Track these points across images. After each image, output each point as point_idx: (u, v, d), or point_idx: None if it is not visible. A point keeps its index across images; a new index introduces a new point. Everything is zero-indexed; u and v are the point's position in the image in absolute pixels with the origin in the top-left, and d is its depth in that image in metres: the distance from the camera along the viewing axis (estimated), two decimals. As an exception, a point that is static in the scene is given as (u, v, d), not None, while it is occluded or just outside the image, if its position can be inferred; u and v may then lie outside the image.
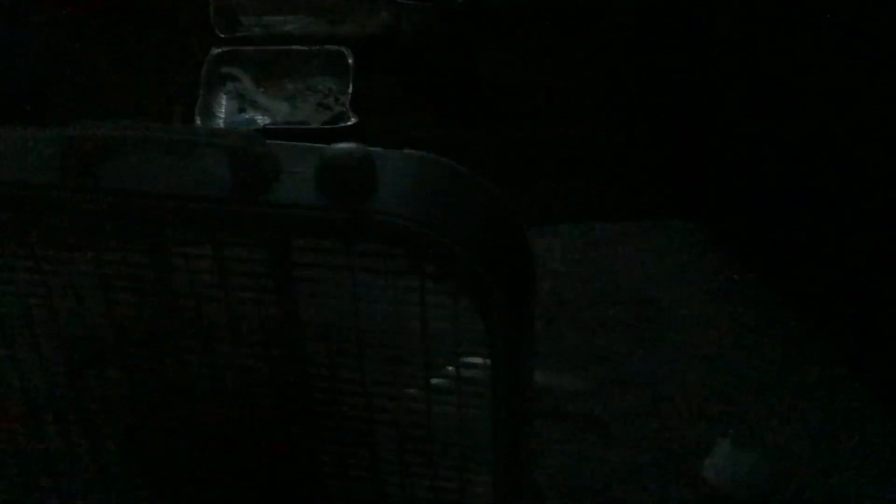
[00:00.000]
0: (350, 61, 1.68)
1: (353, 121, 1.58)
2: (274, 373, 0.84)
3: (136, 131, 0.78)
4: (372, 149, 0.77)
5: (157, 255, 0.79)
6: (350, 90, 1.64)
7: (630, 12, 1.71)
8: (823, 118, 1.31)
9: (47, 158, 0.78)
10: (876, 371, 1.24)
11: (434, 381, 0.84)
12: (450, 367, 0.83)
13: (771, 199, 1.39)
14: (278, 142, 0.79)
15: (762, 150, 1.40)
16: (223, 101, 1.67)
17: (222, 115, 1.65)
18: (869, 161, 1.25)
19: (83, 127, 0.77)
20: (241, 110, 1.66)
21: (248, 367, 0.84)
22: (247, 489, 0.90)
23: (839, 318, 1.28)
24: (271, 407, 0.86)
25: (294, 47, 1.73)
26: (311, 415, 0.86)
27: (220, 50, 1.70)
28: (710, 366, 1.25)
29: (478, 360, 0.82)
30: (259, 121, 1.64)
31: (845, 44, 1.26)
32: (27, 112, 1.48)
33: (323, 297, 0.79)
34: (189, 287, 0.80)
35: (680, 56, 1.57)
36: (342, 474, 0.89)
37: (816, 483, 1.13)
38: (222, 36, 1.74)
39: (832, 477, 1.14)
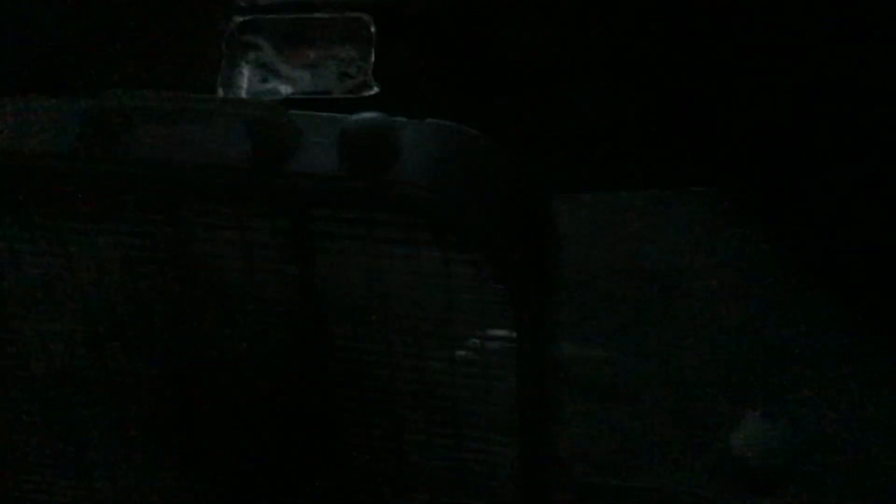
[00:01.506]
0: (372, 29, 1.67)
1: (375, 90, 1.57)
2: (296, 343, 0.84)
3: (157, 101, 0.77)
4: (394, 118, 0.77)
5: (177, 225, 0.79)
6: (372, 59, 1.63)
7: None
8: (852, 81, 1.28)
9: (69, 129, 0.78)
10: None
11: (458, 351, 0.83)
12: (474, 338, 0.83)
13: (796, 167, 1.37)
14: (299, 111, 0.78)
15: (788, 117, 1.39)
16: (245, 70, 1.66)
17: (244, 85, 1.64)
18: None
19: (104, 97, 0.77)
20: (264, 80, 1.66)
21: (269, 337, 0.84)
22: (270, 460, 0.90)
23: (867, 288, 1.27)
24: (294, 378, 0.86)
25: (316, 15, 1.72)
26: (333, 386, 0.86)
27: (241, 19, 1.69)
28: (735, 336, 1.24)
29: (501, 330, 0.81)
30: (282, 90, 1.63)
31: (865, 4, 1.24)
32: (47, 84, 1.48)
33: (345, 267, 0.79)
34: (210, 257, 0.80)
35: (705, 21, 1.55)
36: (366, 445, 0.89)
37: (845, 453, 1.13)
38: (243, 4, 1.72)
39: (861, 447, 1.13)
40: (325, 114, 0.79)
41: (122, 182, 0.77)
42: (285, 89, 1.63)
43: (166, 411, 0.89)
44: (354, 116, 0.76)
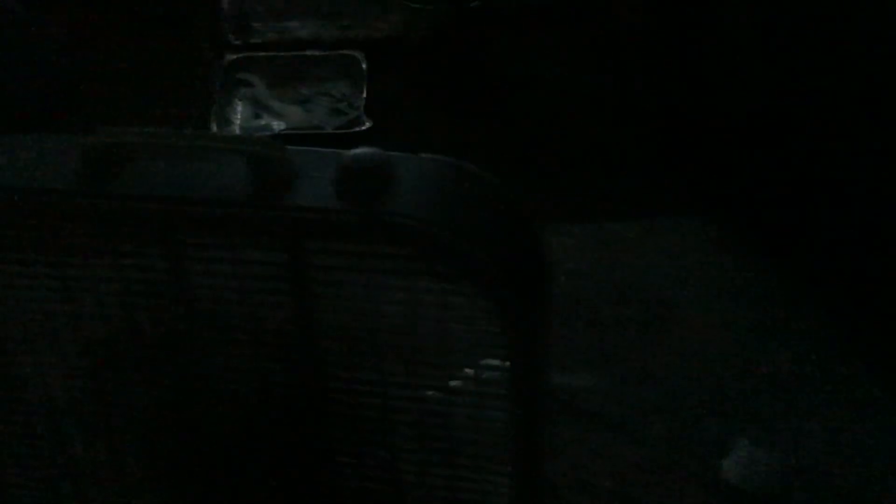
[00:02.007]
0: (364, 66, 1.69)
1: (367, 125, 1.59)
2: (292, 375, 0.85)
3: (154, 138, 0.79)
4: (389, 153, 0.78)
5: (175, 259, 0.80)
6: (364, 94, 1.65)
7: (639, 9, 1.71)
8: (840, 114, 1.31)
9: (67, 165, 0.79)
10: (893, 367, 1.23)
11: (452, 381, 0.84)
12: (467, 369, 0.84)
13: (785, 197, 1.39)
14: (296, 147, 0.80)
15: (776, 147, 1.40)
16: (238, 106, 1.68)
17: (238, 121, 1.66)
18: (890, 157, 1.25)
19: (102, 133, 0.78)
20: (257, 116, 1.68)
21: (265, 369, 0.85)
22: (265, 491, 0.90)
23: (855, 315, 1.28)
24: (289, 409, 0.86)
25: (308, 52, 1.74)
26: (328, 416, 0.86)
27: (234, 56, 1.71)
28: (725, 364, 1.25)
29: (495, 361, 0.82)
30: (274, 126, 1.65)
31: (861, 38, 1.26)
32: (45, 120, 1.49)
33: (340, 299, 0.80)
34: (207, 290, 0.81)
35: (692, 52, 1.57)
36: (360, 475, 0.89)
37: (835, 480, 1.13)
38: (236, 42, 1.75)
39: (851, 474, 1.14)
40: (321, 149, 0.80)
41: (120, 216, 0.78)
42: (278, 125, 1.64)
43: (163, 442, 0.90)
44: (351, 151, 0.77)
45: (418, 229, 0.76)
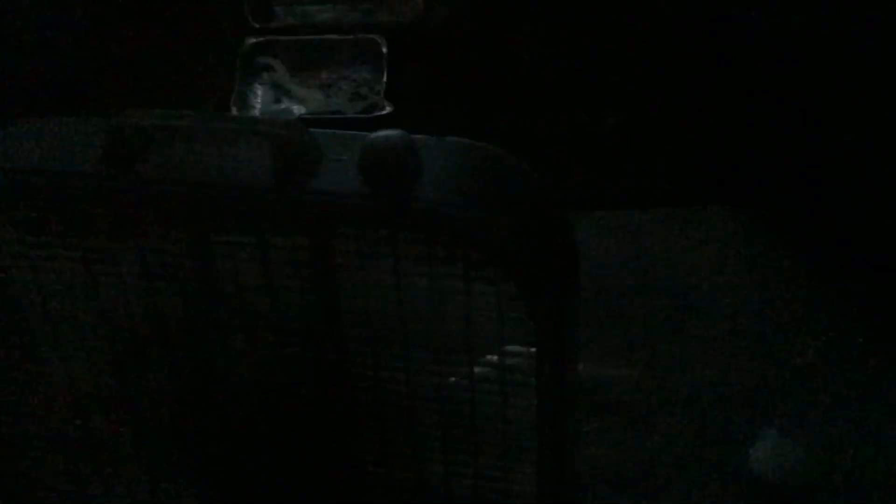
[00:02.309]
0: (384, 50, 1.67)
1: (387, 109, 1.58)
2: (316, 362, 0.84)
3: (178, 121, 0.78)
4: (414, 135, 0.77)
5: (199, 244, 0.79)
6: (384, 79, 1.64)
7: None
8: (867, 96, 1.29)
9: (91, 149, 0.78)
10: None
11: (478, 370, 0.83)
12: (494, 356, 0.83)
13: (812, 183, 1.37)
14: (320, 130, 0.78)
15: (802, 133, 1.39)
16: (259, 91, 1.67)
17: (258, 105, 1.65)
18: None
19: (126, 117, 0.77)
20: (277, 100, 1.67)
21: (290, 356, 0.84)
22: (289, 479, 0.90)
23: (885, 304, 1.27)
24: (314, 397, 0.86)
25: (328, 36, 1.73)
26: (353, 404, 0.86)
27: (254, 40, 1.70)
28: (752, 354, 1.23)
29: (522, 348, 0.81)
30: (294, 110, 1.64)
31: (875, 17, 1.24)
32: (66, 104, 1.49)
33: (366, 285, 0.79)
34: (232, 277, 0.80)
35: (717, 38, 1.55)
36: (385, 464, 0.89)
37: (863, 472, 1.12)
38: (256, 26, 1.74)
39: (878, 465, 1.12)
40: (345, 132, 0.79)
41: (144, 202, 0.78)
42: (298, 109, 1.63)
43: (188, 431, 0.89)
44: (375, 134, 0.76)
45: (445, 214, 0.75)
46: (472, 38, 1.70)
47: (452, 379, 0.84)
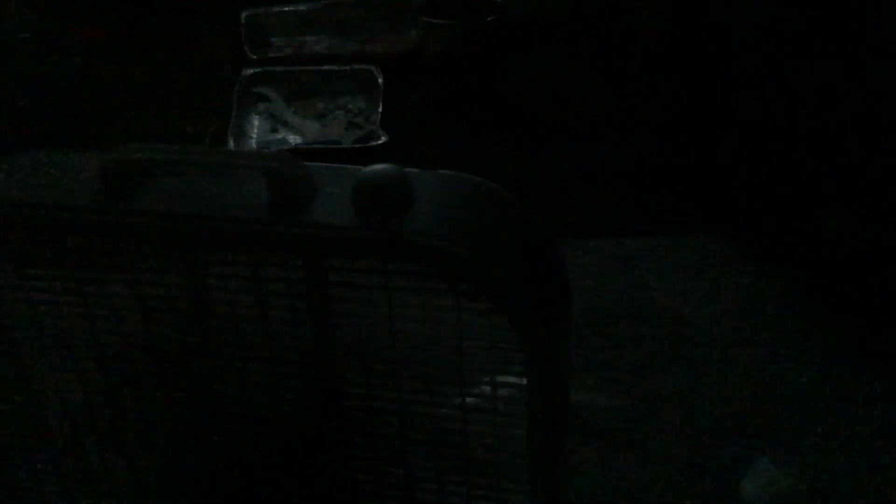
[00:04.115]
0: (380, 80, 1.69)
1: (383, 139, 1.59)
2: (309, 392, 0.85)
3: (173, 154, 0.79)
4: (406, 169, 0.78)
5: (194, 275, 0.80)
6: (380, 109, 1.65)
7: (656, 24, 1.71)
8: (855, 127, 1.30)
9: (86, 181, 0.79)
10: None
11: (470, 400, 0.84)
12: (485, 386, 0.83)
13: (802, 212, 1.38)
14: (314, 163, 0.80)
15: (790, 162, 1.40)
16: (255, 121, 1.68)
17: (255, 136, 1.66)
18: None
19: (122, 150, 0.78)
20: (273, 130, 1.68)
21: (283, 386, 0.85)
22: (283, 503, 0.90)
23: (876, 332, 1.27)
24: (307, 426, 0.86)
25: (324, 67, 1.74)
26: (346, 433, 0.86)
27: (251, 71, 1.71)
28: (745, 381, 1.24)
29: (513, 378, 0.82)
30: (291, 140, 1.65)
31: (874, 50, 1.25)
32: (62, 135, 1.50)
33: (358, 316, 0.80)
34: (226, 307, 0.81)
35: (705, 69, 1.57)
36: (378, 493, 0.89)
37: (856, 499, 1.12)
38: (254, 57, 1.75)
39: (870, 495, 1.13)
40: (339, 165, 0.80)
41: (140, 233, 0.78)
42: (294, 139, 1.65)
43: (180, 457, 0.89)
44: (368, 168, 0.77)
45: (437, 246, 0.76)
46: (466, 69, 1.71)
47: (444, 410, 0.84)
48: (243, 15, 1.79)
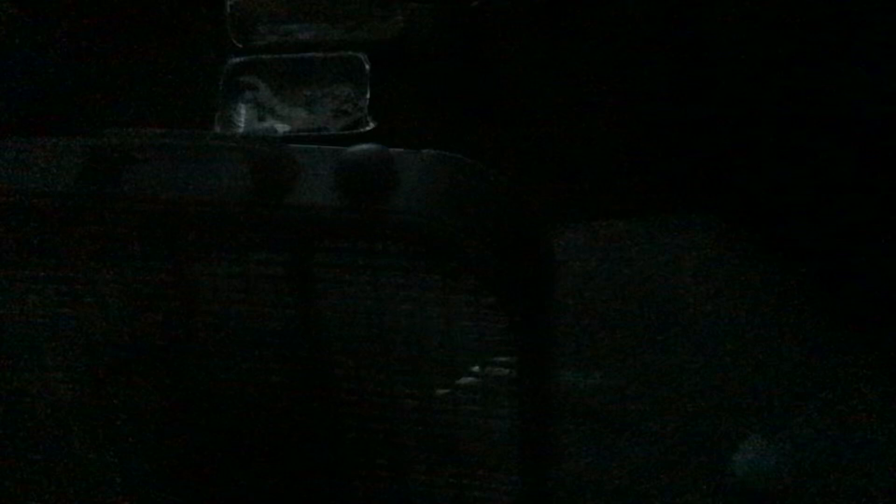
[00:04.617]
0: (367, 67, 1.68)
1: (371, 126, 1.59)
2: (297, 376, 0.84)
3: (156, 139, 0.78)
4: (390, 149, 0.78)
5: (179, 260, 0.80)
6: (367, 95, 1.65)
7: (642, 6, 1.71)
8: (847, 106, 1.30)
9: (69, 167, 0.79)
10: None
11: (458, 380, 0.84)
12: (474, 367, 0.83)
13: (790, 191, 1.38)
14: (297, 145, 0.79)
15: (786, 141, 1.40)
16: (242, 110, 1.68)
17: (241, 124, 1.66)
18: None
19: (104, 135, 0.78)
20: (261, 119, 1.67)
21: (271, 371, 0.84)
22: (272, 495, 0.90)
23: (864, 310, 1.27)
24: (295, 410, 0.86)
25: (310, 54, 1.74)
26: (335, 417, 0.86)
27: (237, 59, 1.71)
28: (734, 360, 1.24)
29: (502, 359, 0.82)
30: (278, 128, 1.65)
31: (863, 31, 1.25)
32: (48, 123, 1.49)
33: (344, 298, 0.80)
34: (211, 291, 0.80)
35: (695, 48, 1.56)
36: (367, 476, 0.89)
37: (846, 478, 1.12)
38: (239, 45, 1.75)
39: (861, 471, 1.13)
40: (322, 146, 0.80)
41: (123, 218, 0.78)
42: (282, 127, 1.64)
43: (169, 447, 0.89)
44: (351, 148, 0.77)
45: (422, 226, 0.75)
46: (452, 54, 1.71)
47: (436, 391, 0.84)
48: (228, 3, 1.78)
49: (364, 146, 0.77)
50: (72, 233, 0.79)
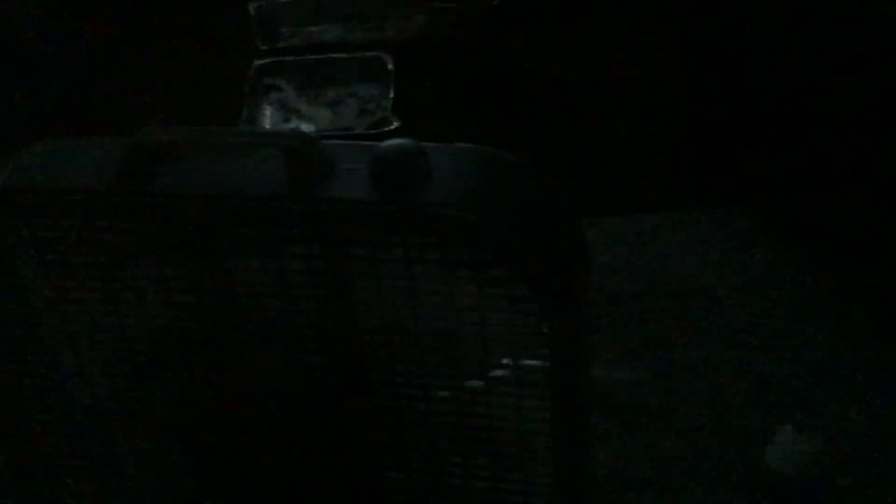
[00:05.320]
0: (390, 66, 1.69)
1: (395, 125, 1.59)
2: (333, 370, 0.85)
3: (192, 136, 0.79)
4: (423, 143, 0.78)
5: (216, 255, 0.80)
6: (391, 95, 1.65)
7: (662, 2, 1.71)
8: (870, 95, 1.29)
9: (107, 165, 0.80)
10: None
11: (493, 374, 0.84)
12: (508, 360, 0.84)
13: (815, 183, 1.38)
14: (330, 140, 0.80)
15: (804, 133, 1.39)
16: (267, 111, 1.69)
17: (267, 126, 1.67)
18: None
19: (141, 134, 0.79)
20: (285, 120, 1.68)
21: (306, 364, 0.85)
22: (308, 487, 0.90)
23: (893, 299, 1.27)
24: (331, 404, 0.87)
25: (334, 55, 1.75)
26: (369, 410, 0.86)
27: (262, 61, 1.72)
28: (764, 352, 1.24)
29: (536, 351, 0.82)
30: (303, 129, 1.65)
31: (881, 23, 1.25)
32: (77, 126, 1.50)
33: (380, 291, 0.80)
34: (248, 285, 0.81)
35: (721, 42, 1.56)
36: (403, 470, 0.89)
37: (878, 467, 1.12)
38: (264, 48, 1.76)
39: (894, 461, 1.12)
40: (356, 141, 0.80)
41: (161, 214, 0.79)
42: (307, 128, 1.65)
43: (207, 441, 0.90)
44: (385, 142, 0.78)
45: (456, 217, 0.76)
46: (476, 52, 1.71)
47: (470, 384, 0.85)
48: (252, 6, 1.79)
49: (397, 140, 0.77)
50: (110, 230, 0.80)
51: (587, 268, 0.84)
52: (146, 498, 0.92)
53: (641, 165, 1.50)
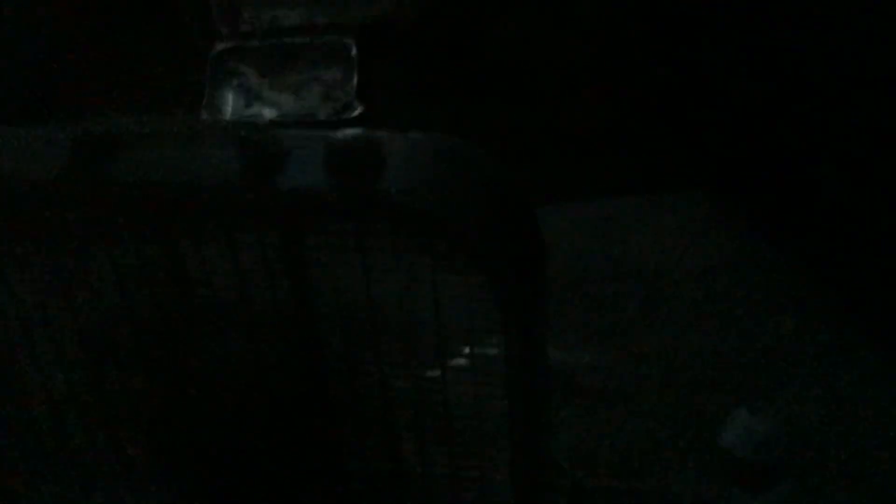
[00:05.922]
0: (354, 51, 1.68)
1: (359, 110, 1.59)
2: (289, 357, 0.85)
3: (143, 125, 0.79)
4: (377, 132, 0.78)
5: (169, 244, 0.80)
6: (355, 80, 1.64)
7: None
8: (833, 83, 1.30)
9: (57, 154, 0.79)
10: (890, 336, 1.24)
11: (450, 360, 0.84)
12: (465, 347, 0.84)
13: (778, 167, 1.39)
14: (284, 129, 0.80)
15: (762, 120, 1.40)
16: (229, 96, 1.67)
17: (229, 110, 1.65)
18: (883, 126, 1.25)
19: (91, 122, 0.78)
20: (248, 105, 1.67)
21: (263, 352, 0.85)
22: (267, 473, 0.90)
23: (851, 284, 1.28)
24: (288, 391, 0.87)
25: (297, 39, 1.73)
26: (327, 398, 0.87)
27: (224, 46, 1.70)
28: (722, 336, 1.25)
29: (493, 338, 0.82)
30: (266, 114, 1.64)
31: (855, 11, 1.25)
32: (35, 112, 1.49)
33: (336, 279, 0.80)
34: (203, 274, 0.81)
35: (686, 28, 1.57)
36: (362, 456, 0.90)
37: (832, 450, 1.14)
38: (225, 32, 1.74)
39: (848, 443, 1.14)
40: (309, 130, 0.80)
41: (113, 204, 0.78)
42: (269, 112, 1.64)
43: (164, 428, 0.90)
44: (339, 131, 0.77)
45: (410, 207, 0.76)
46: (441, 33, 1.71)
47: (429, 373, 0.85)
48: (214, -11, 1.77)
49: (349, 130, 0.77)
50: (61, 220, 0.79)
51: (543, 254, 0.85)
52: (103, 490, 0.92)
53: (603, 151, 1.51)
